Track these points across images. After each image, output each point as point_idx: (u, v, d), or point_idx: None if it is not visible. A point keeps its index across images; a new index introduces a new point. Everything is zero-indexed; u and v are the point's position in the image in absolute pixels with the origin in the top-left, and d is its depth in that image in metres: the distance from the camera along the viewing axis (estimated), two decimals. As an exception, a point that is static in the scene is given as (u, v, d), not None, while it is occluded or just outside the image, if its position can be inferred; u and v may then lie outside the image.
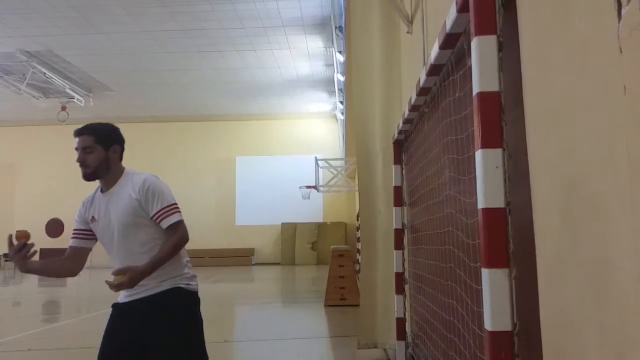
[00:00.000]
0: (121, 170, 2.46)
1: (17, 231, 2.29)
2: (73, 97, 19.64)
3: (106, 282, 2.19)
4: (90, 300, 11.71)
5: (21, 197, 25.77)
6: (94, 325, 7.63)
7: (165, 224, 2.34)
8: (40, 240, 27.80)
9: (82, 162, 2.36)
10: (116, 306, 2.48)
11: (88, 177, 2.39)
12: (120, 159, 2.48)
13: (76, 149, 2.37)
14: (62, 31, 14.89)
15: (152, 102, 22.41)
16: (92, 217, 2.46)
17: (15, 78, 18.11)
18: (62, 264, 2.52)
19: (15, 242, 2.29)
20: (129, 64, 17.68)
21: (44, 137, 25.69)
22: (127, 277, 2.19)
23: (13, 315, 9.42)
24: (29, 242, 2.31)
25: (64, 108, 20.87)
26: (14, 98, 20.25)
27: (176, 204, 2.41)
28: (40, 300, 11.75)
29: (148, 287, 2.37)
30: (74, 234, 2.56)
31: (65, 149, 25.51)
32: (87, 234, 2.52)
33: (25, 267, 2.33)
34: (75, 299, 12.27)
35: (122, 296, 2.45)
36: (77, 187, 26.30)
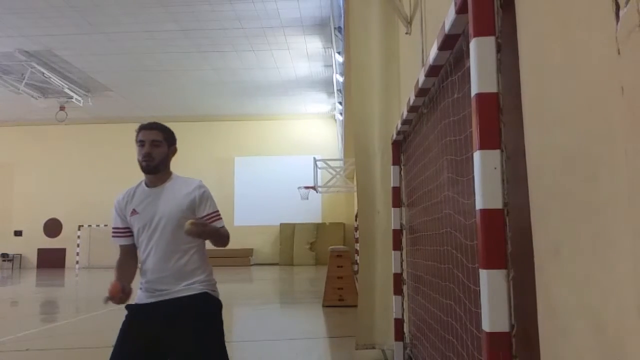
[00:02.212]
0: (170, 171, 2.58)
1: (111, 291, 2.33)
2: (72, 97, 19.63)
3: (190, 223, 2.28)
4: (88, 300, 11.69)
5: (20, 197, 25.74)
6: (92, 325, 7.62)
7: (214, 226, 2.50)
8: (38, 240, 27.63)
9: (148, 154, 2.44)
10: (134, 307, 2.46)
11: (151, 169, 2.47)
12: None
13: (141, 141, 2.46)
14: (61, 31, 14.89)
15: (150, 102, 22.41)
16: (133, 209, 2.50)
17: (14, 78, 18.10)
18: (129, 267, 2.56)
19: (114, 297, 2.35)
20: (127, 64, 17.68)
21: (42, 137, 25.69)
22: (202, 223, 2.35)
23: (11, 315, 9.41)
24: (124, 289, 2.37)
25: (62, 108, 20.86)
26: (12, 98, 20.24)
27: (219, 211, 2.60)
28: (38, 300, 11.73)
29: (174, 290, 2.40)
30: (116, 233, 2.58)
31: (64, 148, 25.62)
32: (129, 232, 2.56)
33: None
34: (74, 299, 12.25)
35: (142, 297, 2.45)
36: (75, 188, 26.19)
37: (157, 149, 2.47)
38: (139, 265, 2.52)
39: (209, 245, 2.58)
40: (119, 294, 2.30)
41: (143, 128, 2.50)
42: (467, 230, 2.21)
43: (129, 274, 2.53)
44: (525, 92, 1.57)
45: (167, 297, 2.40)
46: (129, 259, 2.56)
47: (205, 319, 2.42)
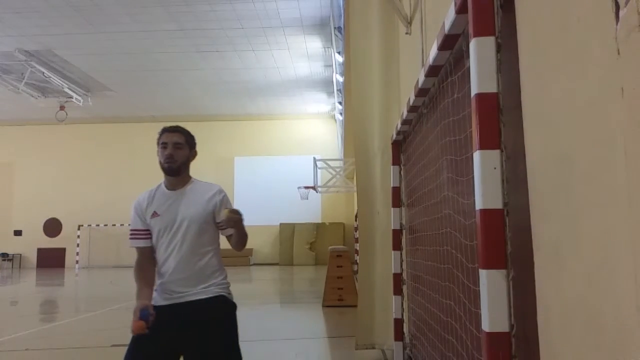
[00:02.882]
0: (189, 174, 2.63)
1: (134, 329, 2.30)
2: (72, 97, 19.62)
3: (229, 210, 2.37)
4: (87, 300, 11.70)
5: (19, 197, 25.72)
6: (91, 325, 7.62)
7: (232, 230, 2.54)
8: (38, 240, 27.46)
9: (171, 155, 2.50)
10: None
11: (173, 171, 2.52)
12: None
13: (164, 143, 2.51)
14: (61, 31, 14.88)
15: (150, 102, 22.39)
16: (154, 212, 2.53)
17: (14, 77, 18.08)
18: (149, 271, 2.55)
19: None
20: (127, 63, 17.67)
21: (42, 137, 25.67)
22: (237, 210, 2.42)
23: (10, 315, 9.41)
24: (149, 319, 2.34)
25: (62, 107, 20.85)
26: (12, 97, 20.23)
27: None
28: (37, 300, 11.73)
29: (192, 292, 2.44)
30: (136, 234, 2.57)
31: (63, 148, 25.61)
32: (149, 234, 2.56)
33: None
34: (73, 298, 12.25)
35: (158, 299, 2.46)
36: (75, 187, 26.07)
37: (179, 151, 2.52)
38: (157, 266, 2.53)
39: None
40: (144, 331, 2.29)
41: (166, 130, 2.56)
42: (466, 231, 2.21)
43: (151, 280, 2.52)
44: (525, 92, 1.57)
45: (184, 300, 2.44)
46: (147, 263, 2.56)
47: (222, 321, 2.47)
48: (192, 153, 2.61)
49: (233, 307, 2.56)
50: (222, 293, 2.51)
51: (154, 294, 2.49)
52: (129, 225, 2.64)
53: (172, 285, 2.45)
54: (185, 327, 2.39)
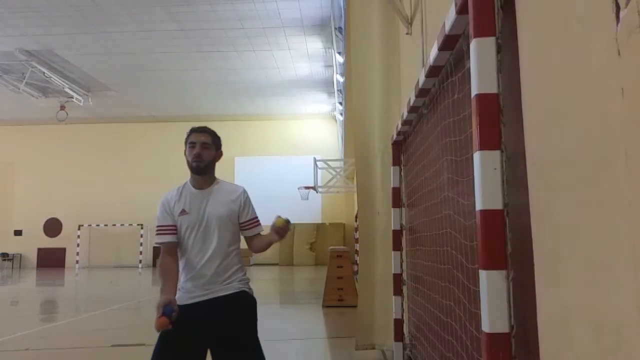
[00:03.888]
0: (214, 174, 2.71)
1: (158, 327, 2.30)
2: (72, 97, 19.64)
3: (285, 220, 2.58)
4: (87, 300, 11.70)
5: (20, 197, 25.75)
6: (92, 325, 7.62)
7: (255, 231, 2.71)
8: (38, 240, 27.44)
9: (198, 154, 2.58)
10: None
11: (200, 170, 2.59)
12: None
13: (192, 143, 2.59)
14: (62, 30, 14.89)
15: (151, 102, 22.40)
16: (183, 209, 2.59)
17: (15, 77, 18.11)
18: (174, 267, 2.57)
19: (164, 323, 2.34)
20: (128, 63, 17.69)
21: (42, 137, 25.70)
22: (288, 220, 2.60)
23: (11, 315, 9.41)
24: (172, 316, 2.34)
25: (63, 107, 20.88)
26: (13, 97, 20.25)
27: None
28: (38, 300, 11.73)
29: (216, 289, 2.51)
30: (163, 230, 2.60)
31: (64, 148, 25.63)
32: (176, 229, 2.61)
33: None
34: (73, 298, 12.25)
35: (183, 298, 2.50)
36: (75, 187, 26.07)
37: (206, 151, 2.60)
38: (181, 263, 2.58)
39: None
40: (167, 327, 2.29)
41: (194, 131, 2.64)
42: (467, 231, 2.21)
43: (175, 275, 2.54)
44: (526, 93, 1.57)
45: (208, 297, 2.49)
46: (172, 259, 2.59)
47: (245, 317, 2.55)
48: (218, 153, 2.69)
49: (254, 301, 2.64)
50: (243, 289, 2.58)
51: (179, 293, 2.51)
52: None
53: (198, 282, 2.51)
54: (210, 324, 2.45)
